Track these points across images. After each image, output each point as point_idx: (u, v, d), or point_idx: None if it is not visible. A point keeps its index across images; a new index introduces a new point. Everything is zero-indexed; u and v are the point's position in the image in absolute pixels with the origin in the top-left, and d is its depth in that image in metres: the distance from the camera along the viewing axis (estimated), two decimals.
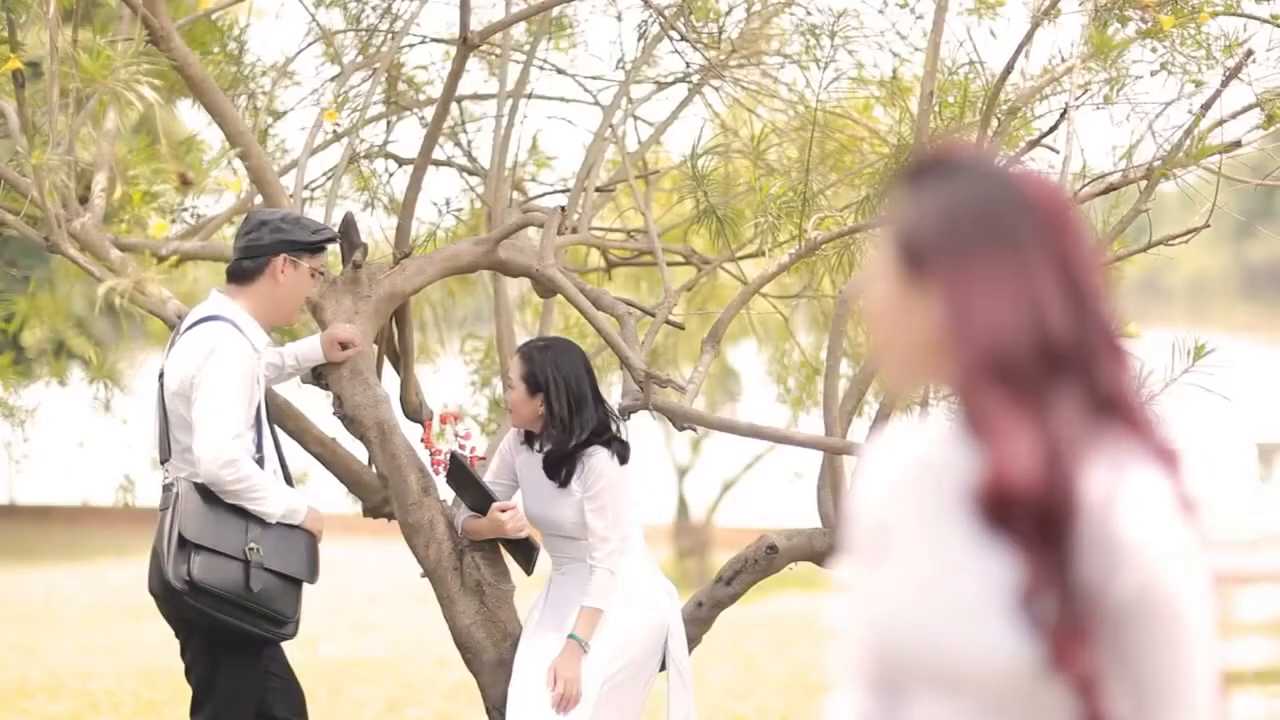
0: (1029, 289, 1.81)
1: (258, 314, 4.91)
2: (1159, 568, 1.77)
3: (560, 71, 6.79)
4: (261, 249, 4.90)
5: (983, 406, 1.80)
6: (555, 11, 6.48)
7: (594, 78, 6.74)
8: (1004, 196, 1.87)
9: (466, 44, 5.49)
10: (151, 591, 4.85)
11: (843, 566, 2.00)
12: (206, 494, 4.78)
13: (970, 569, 1.85)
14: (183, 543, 4.73)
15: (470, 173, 6.95)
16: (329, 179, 6.54)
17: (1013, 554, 1.80)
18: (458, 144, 6.92)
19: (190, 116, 7.25)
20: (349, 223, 5.69)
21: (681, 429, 5.39)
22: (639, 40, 6.25)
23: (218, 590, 4.74)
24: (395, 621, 11.81)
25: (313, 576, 4.93)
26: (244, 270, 4.92)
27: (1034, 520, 1.78)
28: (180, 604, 4.78)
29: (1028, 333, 1.80)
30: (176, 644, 5.00)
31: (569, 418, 5.12)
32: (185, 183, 3.91)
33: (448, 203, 7.04)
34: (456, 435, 5.76)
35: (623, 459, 5.14)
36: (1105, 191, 5.16)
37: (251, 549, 4.78)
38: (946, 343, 1.83)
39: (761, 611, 11.46)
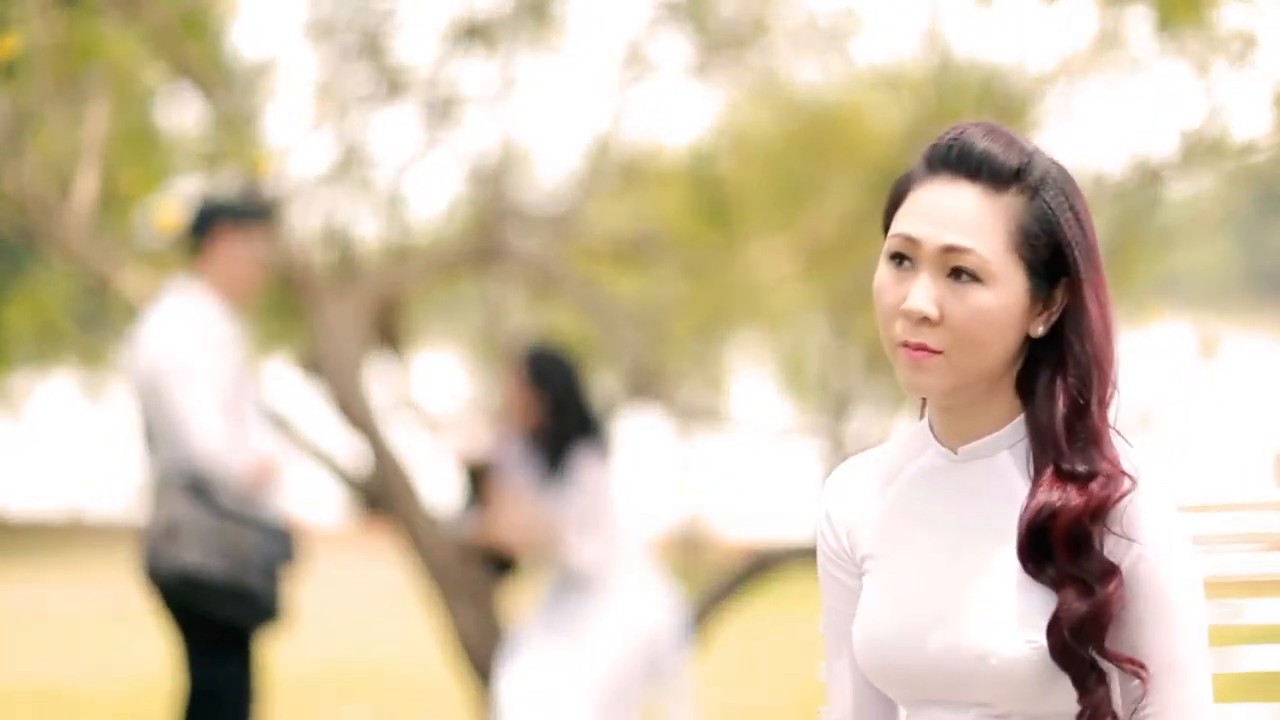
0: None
1: (217, 291, 4.86)
2: (1151, 546, 1.75)
3: (559, 63, 6.74)
4: (199, 222, 4.87)
5: (1099, 428, 1.75)
6: (555, 6, 6.45)
7: (593, 72, 6.70)
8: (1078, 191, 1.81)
9: (464, 35, 5.45)
10: (145, 582, 4.81)
11: (820, 585, 1.91)
12: (193, 486, 4.74)
13: (968, 569, 1.79)
14: (173, 535, 4.69)
15: (467, 167, 6.90)
16: (322, 173, 6.49)
17: (1053, 554, 1.74)
18: (453, 138, 6.88)
19: (182, 112, 7.20)
20: (341, 220, 5.66)
21: (679, 426, 5.36)
22: (646, 33, 6.22)
23: (210, 582, 4.70)
24: (391, 624, 11.79)
25: (295, 563, 4.88)
26: (192, 251, 4.90)
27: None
28: (171, 597, 4.74)
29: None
30: (169, 653, 4.94)
31: (558, 419, 5.13)
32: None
33: (444, 199, 7.01)
34: (454, 433, 5.78)
35: (610, 459, 5.17)
36: (1114, 189, 5.11)
37: (236, 539, 4.74)
38: (1079, 350, 1.75)
39: (760, 618, 11.43)
